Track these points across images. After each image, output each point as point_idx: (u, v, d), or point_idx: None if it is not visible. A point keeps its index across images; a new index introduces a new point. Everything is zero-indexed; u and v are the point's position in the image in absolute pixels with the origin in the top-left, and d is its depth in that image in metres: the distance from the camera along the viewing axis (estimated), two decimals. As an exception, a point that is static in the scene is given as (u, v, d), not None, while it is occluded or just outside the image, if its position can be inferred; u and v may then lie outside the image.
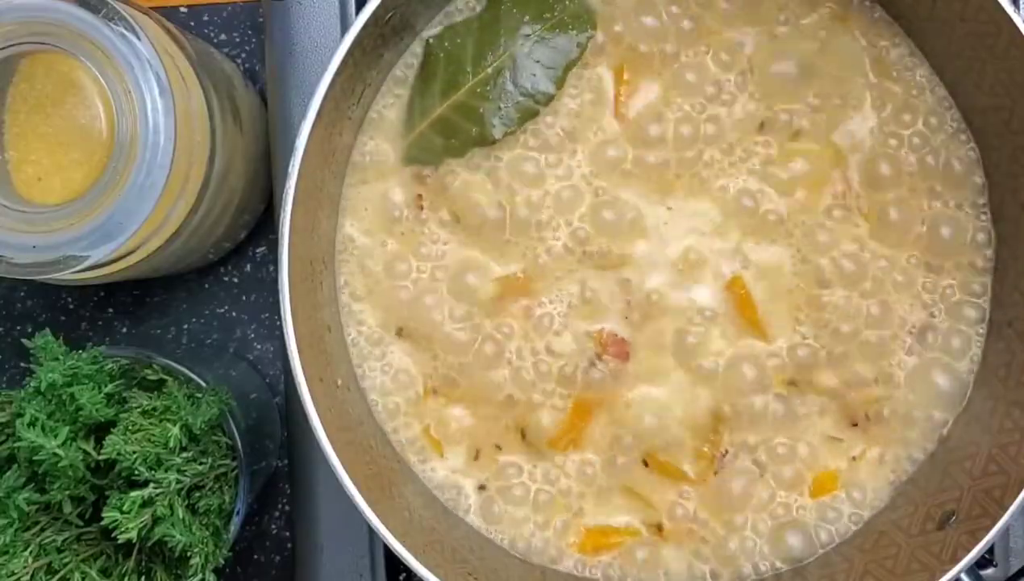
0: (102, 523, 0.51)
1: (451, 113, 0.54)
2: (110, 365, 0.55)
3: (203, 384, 0.56)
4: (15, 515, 0.52)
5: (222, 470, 0.56)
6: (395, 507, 0.51)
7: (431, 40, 0.54)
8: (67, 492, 0.52)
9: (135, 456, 0.51)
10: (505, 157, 0.55)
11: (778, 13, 0.55)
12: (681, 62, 0.55)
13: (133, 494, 0.51)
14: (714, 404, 0.55)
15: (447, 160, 0.55)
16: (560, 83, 0.54)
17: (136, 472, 0.52)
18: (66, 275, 0.49)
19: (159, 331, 0.66)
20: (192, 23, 0.66)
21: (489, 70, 0.53)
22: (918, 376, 0.55)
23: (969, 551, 0.49)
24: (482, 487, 0.55)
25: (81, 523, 0.54)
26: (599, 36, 0.55)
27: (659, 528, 0.55)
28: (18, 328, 0.66)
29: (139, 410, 0.53)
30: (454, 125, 0.54)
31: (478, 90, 0.53)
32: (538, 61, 0.54)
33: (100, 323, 0.66)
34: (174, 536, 0.52)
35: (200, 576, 0.54)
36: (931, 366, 0.55)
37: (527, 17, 0.54)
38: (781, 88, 0.55)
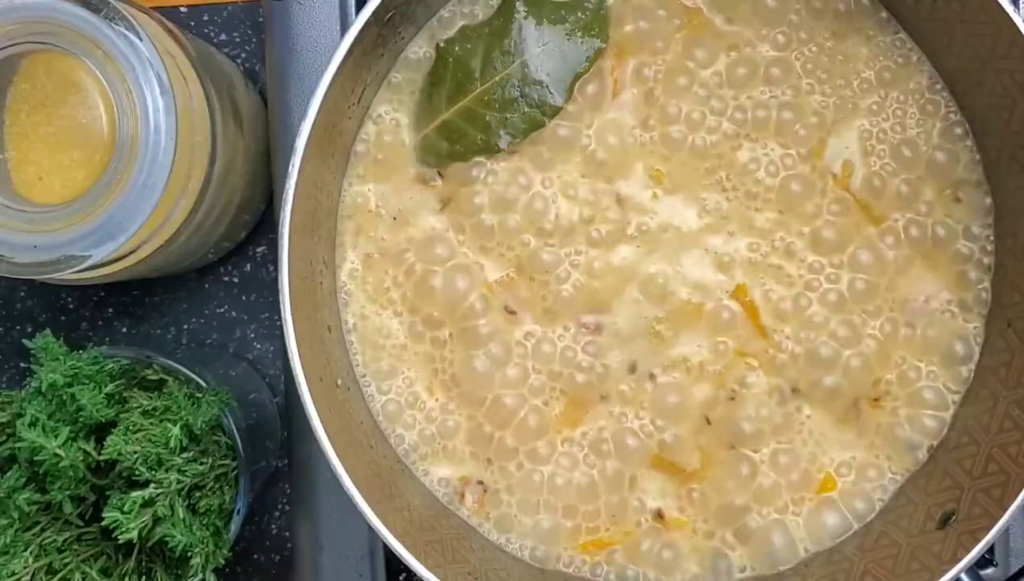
0: (102, 523, 0.51)
1: (457, 118, 0.54)
2: (110, 365, 0.55)
3: (203, 384, 0.56)
4: (16, 515, 0.52)
5: (222, 470, 0.56)
6: (395, 507, 0.51)
7: (442, 43, 0.54)
8: (67, 492, 0.52)
9: (136, 456, 0.51)
10: (506, 162, 0.55)
11: (780, 11, 0.55)
12: (677, 58, 0.55)
13: (134, 494, 0.51)
14: (714, 403, 0.55)
15: (451, 164, 0.55)
16: (568, 96, 0.54)
17: (137, 472, 0.52)
18: (66, 275, 0.49)
19: (159, 331, 0.66)
20: (192, 23, 0.66)
21: (497, 78, 0.53)
22: (917, 376, 0.55)
23: (969, 551, 0.49)
24: (482, 487, 0.55)
25: (81, 523, 0.54)
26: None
27: (660, 525, 0.55)
28: (18, 328, 0.66)
29: (139, 410, 0.53)
30: (460, 131, 0.54)
31: (485, 98, 0.53)
32: (548, 73, 0.54)
33: (100, 323, 0.66)
34: (174, 536, 0.52)
35: (200, 576, 0.54)
36: (930, 366, 0.55)
37: (539, 26, 0.54)
38: (781, 85, 0.55)
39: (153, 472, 0.52)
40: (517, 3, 0.54)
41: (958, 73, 0.54)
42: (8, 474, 0.52)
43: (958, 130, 0.55)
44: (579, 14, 0.54)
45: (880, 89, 0.55)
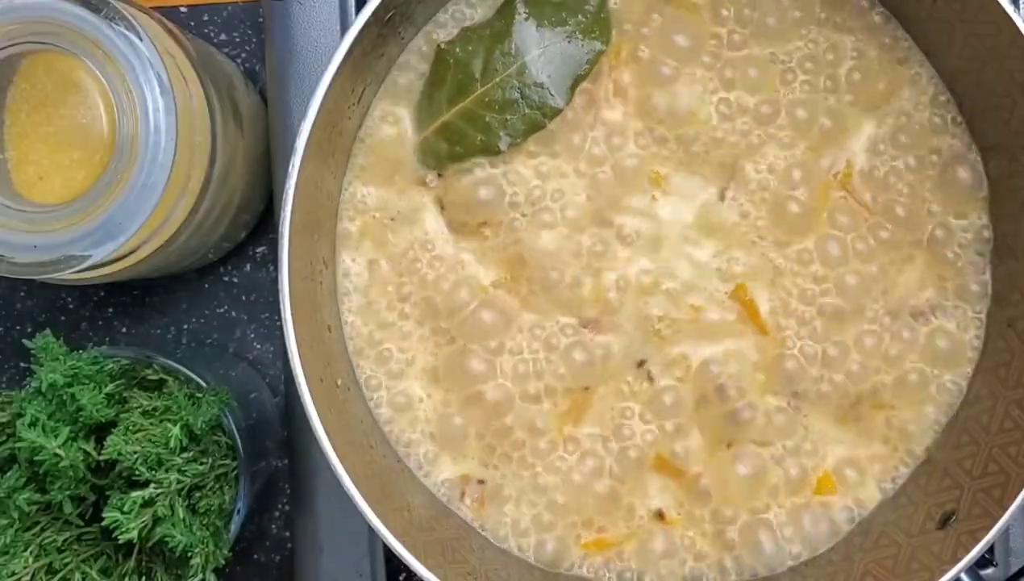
0: (103, 523, 0.51)
1: (457, 120, 0.54)
2: (110, 365, 0.55)
3: (203, 384, 0.56)
4: (16, 515, 0.52)
5: (222, 470, 0.56)
6: (395, 507, 0.51)
7: (442, 45, 0.54)
8: (67, 492, 0.52)
9: (136, 456, 0.51)
10: (505, 163, 0.55)
11: (780, 12, 0.55)
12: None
13: (134, 494, 0.51)
14: (714, 402, 0.55)
15: (451, 165, 0.55)
16: (568, 98, 0.54)
17: (137, 472, 0.52)
18: (66, 275, 0.49)
19: (159, 331, 0.66)
20: (192, 23, 0.66)
21: (498, 79, 0.53)
22: (918, 376, 0.55)
23: (969, 551, 0.49)
24: (482, 486, 0.55)
25: (81, 523, 0.54)
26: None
27: (660, 525, 0.55)
28: (18, 328, 0.66)
29: (139, 410, 0.53)
30: (460, 132, 0.54)
31: (486, 99, 0.53)
32: (549, 75, 0.53)
33: (100, 323, 0.66)
34: (174, 536, 0.52)
35: (200, 576, 0.54)
36: (931, 366, 0.55)
37: (540, 28, 0.54)
38: (782, 84, 0.55)
39: (153, 472, 0.52)
40: (518, 4, 0.54)
41: (958, 73, 0.54)
42: (8, 474, 0.52)
43: (958, 130, 0.55)
44: (580, 16, 0.54)
45: (879, 89, 0.55)
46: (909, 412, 0.55)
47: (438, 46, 0.54)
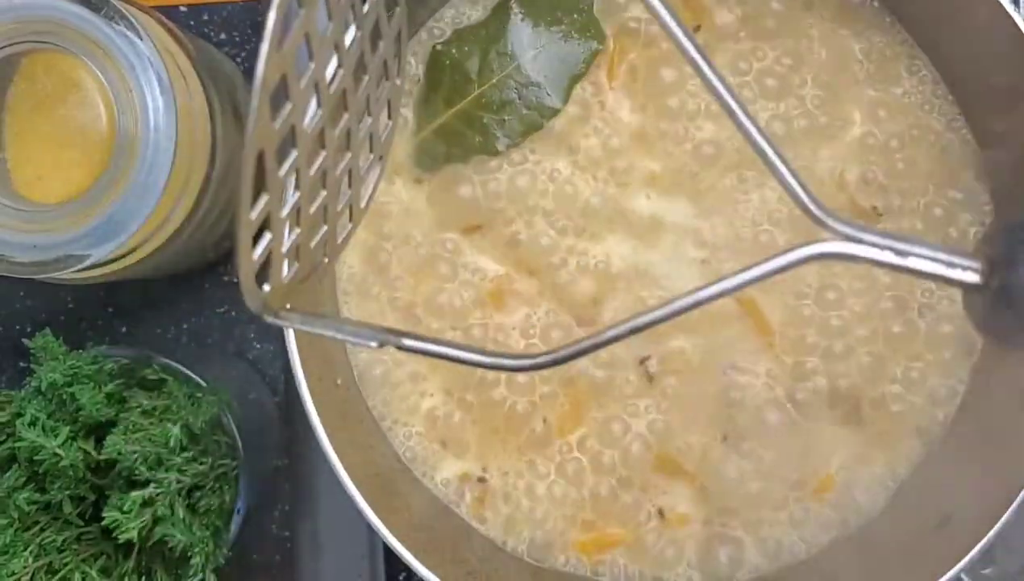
0: (102, 523, 0.51)
1: (454, 121, 0.54)
2: (110, 365, 0.55)
3: (203, 384, 0.56)
4: (15, 515, 0.52)
5: (222, 470, 0.56)
6: (395, 507, 0.51)
7: (438, 47, 0.54)
8: (67, 492, 0.52)
9: (135, 456, 0.51)
10: (503, 163, 0.55)
11: (778, 12, 0.55)
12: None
13: (133, 494, 0.51)
14: (714, 401, 0.55)
15: (449, 166, 0.55)
16: (565, 98, 0.54)
17: (136, 472, 0.52)
18: (67, 274, 0.49)
19: (159, 331, 0.66)
20: (192, 22, 0.66)
21: (494, 80, 0.53)
22: (918, 376, 0.55)
23: (969, 551, 0.49)
24: (482, 485, 0.55)
25: (81, 523, 0.54)
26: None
27: (661, 524, 0.55)
28: (18, 328, 0.66)
29: (139, 410, 0.53)
30: (458, 133, 0.54)
31: (483, 100, 0.53)
32: (545, 75, 0.53)
33: (100, 323, 0.66)
34: (174, 536, 0.52)
35: (200, 576, 0.54)
36: (931, 366, 0.55)
37: (535, 28, 0.54)
38: (778, 86, 0.55)
39: (153, 472, 0.52)
40: (512, 4, 0.54)
41: (958, 73, 0.54)
42: (8, 474, 0.52)
43: (958, 131, 0.55)
44: (575, 15, 0.54)
45: (878, 89, 0.55)
46: (909, 412, 0.55)
47: (433, 47, 0.54)
